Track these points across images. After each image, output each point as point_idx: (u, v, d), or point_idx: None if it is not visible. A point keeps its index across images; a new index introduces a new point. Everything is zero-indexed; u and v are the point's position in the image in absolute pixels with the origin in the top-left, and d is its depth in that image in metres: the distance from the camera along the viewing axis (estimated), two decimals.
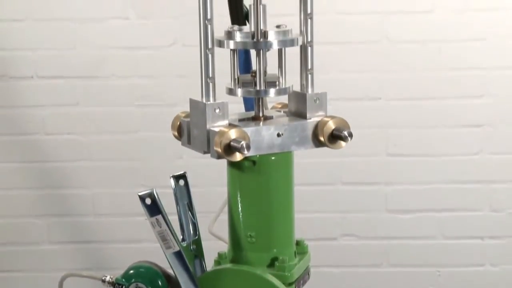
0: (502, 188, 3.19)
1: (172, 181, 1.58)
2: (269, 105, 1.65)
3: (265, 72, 1.49)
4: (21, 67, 3.13)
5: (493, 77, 3.11)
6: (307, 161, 3.03)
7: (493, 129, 3.15)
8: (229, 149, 1.41)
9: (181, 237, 1.57)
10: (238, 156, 1.42)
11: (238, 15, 1.67)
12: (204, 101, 1.45)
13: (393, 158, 3.18)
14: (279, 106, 1.61)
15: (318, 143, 1.50)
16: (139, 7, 3.09)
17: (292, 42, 1.48)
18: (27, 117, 3.16)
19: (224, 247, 1.60)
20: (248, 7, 1.51)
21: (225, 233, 1.58)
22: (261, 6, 1.47)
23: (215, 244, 1.68)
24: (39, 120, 3.16)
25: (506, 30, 3.09)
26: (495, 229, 3.21)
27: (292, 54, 1.54)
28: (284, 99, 1.56)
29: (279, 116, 1.54)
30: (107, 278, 1.59)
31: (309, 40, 1.50)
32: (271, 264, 1.53)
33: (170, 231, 1.49)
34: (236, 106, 1.62)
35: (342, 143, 1.49)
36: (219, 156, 1.42)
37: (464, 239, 3.23)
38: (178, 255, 1.51)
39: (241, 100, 1.68)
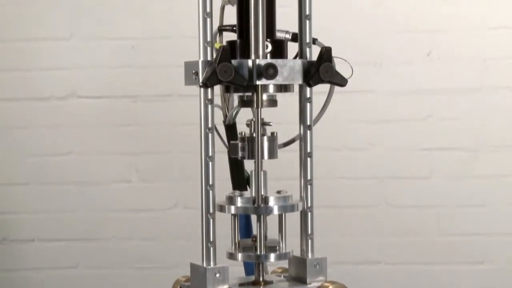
0: None
1: None
2: (270, 269, 1.65)
3: (265, 236, 1.50)
4: (22, 230, 3.14)
5: (493, 244, 3.11)
6: None
7: None
8: None
9: None
10: None
11: (239, 181, 1.69)
12: (204, 265, 1.45)
13: None
14: (280, 270, 1.61)
15: None
16: (142, 170, 3.13)
17: (292, 208, 1.51)
18: (26, 280, 3.14)
19: None
20: (249, 172, 1.54)
21: None
22: (262, 172, 1.50)
23: None
24: (38, 282, 3.14)
25: (505, 197, 3.11)
26: None
27: (293, 216, 1.56)
28: (285, 263, 1.57)
29: (279, 281, 1.54)
30: None
31: (309, 205, 1.53)
32: None
33: None
34: (237, 269, 1.63)
35: None
36: None
37: None
38: None
39: (242, 263, 1.68)
